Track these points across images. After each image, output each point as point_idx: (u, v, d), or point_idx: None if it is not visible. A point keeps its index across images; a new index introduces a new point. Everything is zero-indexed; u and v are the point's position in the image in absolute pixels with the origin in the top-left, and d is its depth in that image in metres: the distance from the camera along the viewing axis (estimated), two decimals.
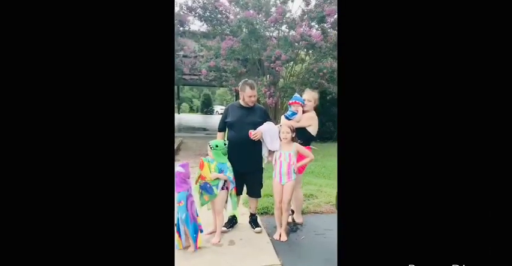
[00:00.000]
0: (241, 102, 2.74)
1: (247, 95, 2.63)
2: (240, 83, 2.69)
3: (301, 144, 2.64)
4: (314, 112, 2.90)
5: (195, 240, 2.34)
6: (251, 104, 2.68)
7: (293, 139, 2.53)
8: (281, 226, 2.64)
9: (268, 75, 6.92)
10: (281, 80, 7.39)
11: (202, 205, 2.53)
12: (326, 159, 5.96)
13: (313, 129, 2.83)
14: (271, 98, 6.26)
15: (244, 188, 2.83)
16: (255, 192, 2.79)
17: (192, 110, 35.14)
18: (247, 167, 2.67)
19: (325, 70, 6.15)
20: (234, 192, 2.63)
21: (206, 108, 28.79)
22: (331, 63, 6.22)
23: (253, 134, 2.54)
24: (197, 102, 33.92)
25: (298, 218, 2.98)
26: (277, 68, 6.04)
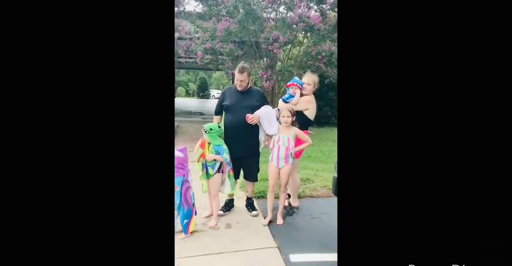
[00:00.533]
0: (235, 84, 2.67)
1: (236, 79, 2.59)
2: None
3: (298, 128, 2.60)
4: (313, 96, 2.85)
5: (186, 226, 2.34)
6: (240, 88, 2.63)
7: (292, 123, 2.50)
8: (272, 212, 2.64)
9: (265, 58, 6.78)
10: (278, 63, 7.25)
11: (208, 177, 2.50)
12: (323, 144, 5.97)
13: (310, 113, 2.79)
14: (268, 82, 6.15)
15: (241, 172, 2.82)
16: (251, 176, 2.78)
17: (188, 94, 34.76)
18: (244, 151, 2.65)
19: (323, 54, 6.02)
20: (231, 172, 2.62)
21: (202, 92, 28.48)
22: (329, 46, 6.08)
23: (250, 118, 2.50)
24: (193, 86, 33.51)
25: (295, 202, 3.00)
26: (274, 51, 5.91)
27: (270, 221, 2.60)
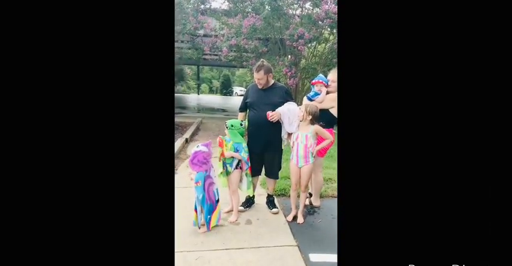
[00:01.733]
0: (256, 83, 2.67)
1: (254, 77, 2.58)
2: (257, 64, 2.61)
3: (323, 126, 2.54)
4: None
5: (208, 221, 2.37)
6: (260, 86, 2.62)
7: (312, 121, 2.44)
8: (296, 208, 2.62)
9: (289, 55, 6.70)
10: (303, 61, 7.15)
11: (228, 174, 2.57)
12: None
13: (336, 111, 2.71)
14: (292, 79, 6.09)
15: (263, 169, 2.82)
16: (272, 173, 2.77)
17: (211, 91, 35.17)
18: (265, 148, 2.64)
19: None
20: (248, 171, 2.63)
21: (225, 89, 28.71)
22: None
23: (271, 115, 2.48)
24: (216, 83, 33.87)
25: (316, 202, 2.96)
26: (299, 47, 5.82)
27: (294, 218, 2.59)
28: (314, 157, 2.50)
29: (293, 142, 2.50)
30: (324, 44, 7.18)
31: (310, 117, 2.43)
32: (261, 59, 2.70)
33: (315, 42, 6.90)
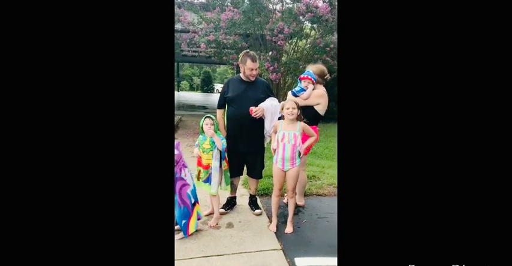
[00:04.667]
0: (241, 75, 2.49)
1: (248, 68, 2.38)
2: (241, 54, 2.43)
3: (306, 123, 2.40)
4: (324, 89, 2.67)
5: (186, 227, 2.18)
6: (252, 78, 2.43)
7: (298, 118, 2.26)
8: (277, 216, 2.44)
9: (271, 52, 6.56)
10: (284, 56, 7.04)
11: (227, 184, 2.49)
12: (329, 140, 5.80)
13: (321, 108, 2.61)
14: (274, 74, 5.94)
15: (245, 168, 2.67)
16: (255, 173, 2.63)
17: (192, 88, 34.50)
18: (248, 146, 2.49)
19: (331, 46, 5.79)
20: (226, 164, 2.45)
21: (206, 86, 28.22)
22: (337, 38, 5.85)
23: (254, 111, 2.33)
24: (197, 80, 33.27)
25: (300, 201, 2.84)
26: (279, 42, 5.69)
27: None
28: (301, 157, 2.33)
29: (277, 142, 2.28)
30: (305, 40, 7.11)
31: (299, 111, 2.24)
32: (247, 50, 2.51)
33: (296, 38, 6.81)
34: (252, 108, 2.33)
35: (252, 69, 2.38)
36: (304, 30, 6.80)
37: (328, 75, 2.68)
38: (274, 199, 2.40)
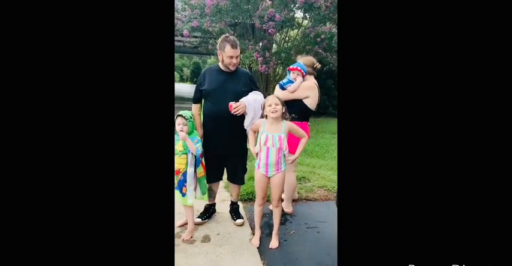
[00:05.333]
0: (220, 65, 2.14)
1: (228, 55, 2.02)
2: (219, 40, 2.07)
3: (295, 118, 2.10)
4: (315, 81, 2.39)
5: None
6: (232, 68, 2.08)
7: (283, 116, 1.91)
8: (260, 228, 2.12)
9: (261, 42, 6.16)
10: (275, 46, 6.66)
11: (204, 193, 2.16)
12: (320, 136, 5.51)
13: (311, 102, 2.31)
14: (264, 65, 5.56)
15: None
16: (237, 178, 2.30)
17: (182, 79, 33.73)
18: (227, 148, 2.15)
19: (322, 36, 5.43)
20: (202, 169, 2.12)
21: (196, 77, 27.58)
22: (330, 28, 5.49)
23: (234, 107, 1.99)
24: (187, 71, 32.55)
25: (288, 208, 2.54)
26: (270, 30, 5.30)
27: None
28: (286, 160, 2.00)
29: (259, 146, 1.94)
30: (296, 30, 6.75)
31: (285, 108, 1.90)
32: (225, 34, 2.14)
33: (287, 28, 6.43)
34: (232, 104, 1.99)
35: (232, 57, 2.02)
36: (296, 20, 6.41)
37: (317, 64, 2.42)
38: (257, 209, 2.08)
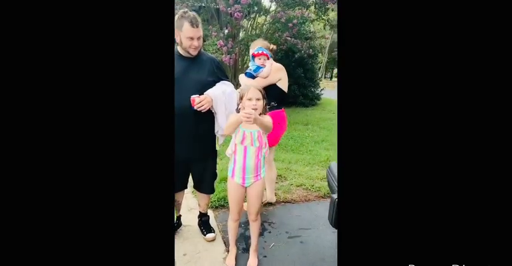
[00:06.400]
0: (178, 49, 1.72)
1: (187, 36, 1.61)
2: (176, 17, 1.64)
3: (274, 107, 2.06)
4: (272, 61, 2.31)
5: None
6: (193, 52, 1.67)
7: (265, 109, 1.55)
8: (236, 244, 1.81)
9: (226, 27, 5.68)
10: (242, 33, 6.22)
11: None
12: (292, 128, 5.25)
13: (283, 84, 2.21)
14: (228, 55, 5.11)
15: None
16: (204, 187, 1.93)
17: None
18: (192, 151, 1.76)
19: (295, 21, 5.11)
20: None
21: None
22: (302, 12, 5.17)
23: (198, 102, 1.60)
24: None
25: (272, 198, 2.46)
26: (235, 14, 4.86)
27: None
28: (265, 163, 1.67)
29: (234, 147, 1.58)
30: (264, 16, 6.36)
31: (265, 101, 1.55)
32: (183, 10, 1.70)
33: (254, 14, 6.02)
34: (195, 97, 1.60)
35: (193, 38, 1.61)
36: (263, 5, 6.01)
37: (273, 46, 2.28)
38: (231, 225, 1.74)
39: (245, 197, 1.68)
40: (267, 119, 1.50)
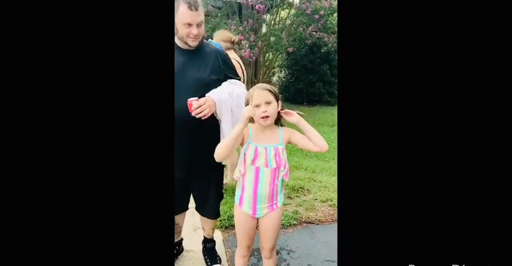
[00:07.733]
0: (176, 40, 1.37)
1: (183, 22, 1.25)
2: None
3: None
4: (237, 56, 2.25)
5: None
6: (192, 43, 1.32)
7: (279, 119, 1.21)
8: None
9: (247, 21, 5.32)
10: (263, 26, 5.84)
11: None
12: (317, 130, 4.80)
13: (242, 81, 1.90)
14: (248, 50, 4.73)
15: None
16: (207, 209, 1.58)
17: None
18: (192, 168, 1.42)
19: (322, 12, 4.62)
20: None
21: None
22: (329, 2, 4.68)
23: (196, 107, 1.24)
24: None
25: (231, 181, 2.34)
26: (257, 6, 4.47)
27: None
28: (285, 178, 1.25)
29: (244, 167, 1.21)
30: (287, 10, 5.93)
31: (280, 106, 1.20)
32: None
33: (277, 8, 5.61)
34: (192, 101, 1.24)
35: (191, 25, 1.25)
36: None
37: (235, 38, 2.10)
38: (239, 262, 1.38)
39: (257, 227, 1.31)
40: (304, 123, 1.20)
